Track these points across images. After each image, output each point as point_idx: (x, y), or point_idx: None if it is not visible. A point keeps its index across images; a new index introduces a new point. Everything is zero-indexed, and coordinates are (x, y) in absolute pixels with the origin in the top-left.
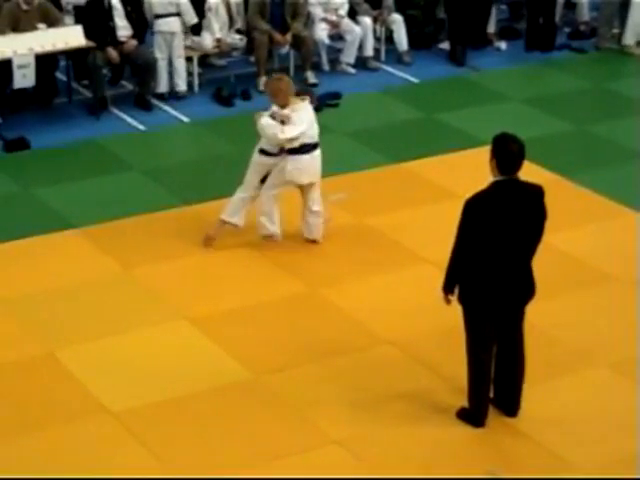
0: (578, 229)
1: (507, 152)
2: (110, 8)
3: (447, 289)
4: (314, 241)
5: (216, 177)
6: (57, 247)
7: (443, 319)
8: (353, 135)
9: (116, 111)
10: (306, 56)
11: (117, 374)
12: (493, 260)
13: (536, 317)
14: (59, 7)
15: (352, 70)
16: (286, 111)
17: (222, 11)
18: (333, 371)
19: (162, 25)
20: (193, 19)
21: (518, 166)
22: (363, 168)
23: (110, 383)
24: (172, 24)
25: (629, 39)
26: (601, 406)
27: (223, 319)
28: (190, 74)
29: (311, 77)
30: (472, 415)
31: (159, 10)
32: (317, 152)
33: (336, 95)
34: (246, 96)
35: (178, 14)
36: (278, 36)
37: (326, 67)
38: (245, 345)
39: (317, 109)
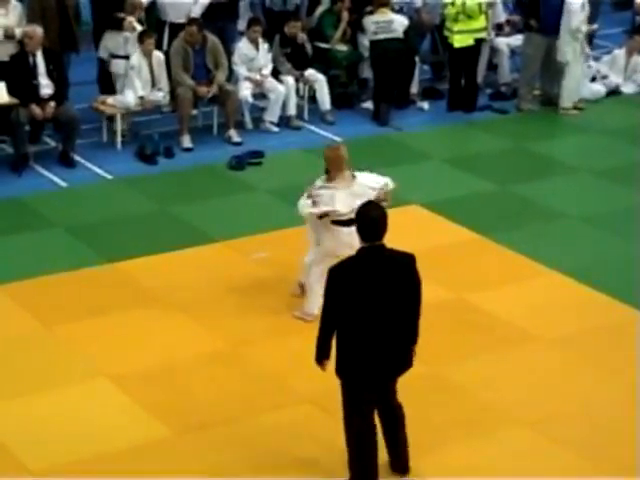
0: (499, 288)
1: (366, 219)
2: (34, 66)
3: (318, 359)
4: None
5: (138, 235)
6: None
7: None
8: (276, 193)
9: (38, 168)
10: (230, 113)
11: (36, 432)
12: (362, 329)
13: (457, 375)
14: None
15: (275, 129)
16: (321, 191)
17: (144, 69)
18: (254, 430)
19: None
20: None
21: (379, 233)
22: (285, 226)
23: (29, 441)
24: None
25: (566, 102)
26: (521, 466)
27: (143, 377)
28: (113, 132)
29: (234, 136)
30: None
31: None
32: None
33: (259, 153)
34: (169, 154)
35: None
36: (202, 89)
37: (249, 125)
38: (165, 403)
39: (240, 168)
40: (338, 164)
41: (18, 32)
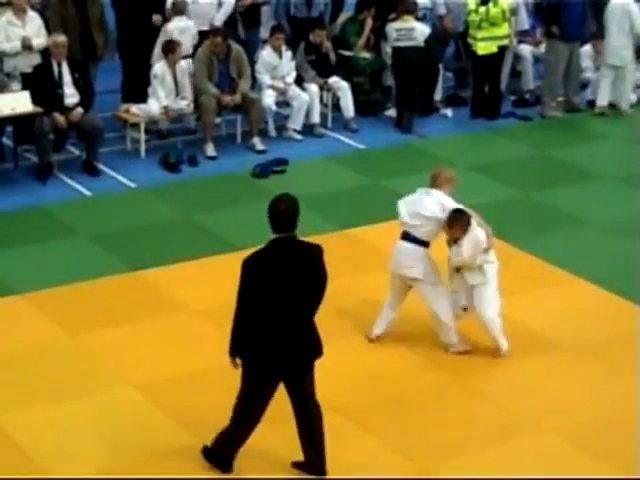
0: (523, 296)
1: (275, 211)
2: (60, 75)
3: (233, 353)
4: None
5: (162, 243)
6: (1, 313)
7: (388, 385)
8: (300, 201)
9: (62, 176)
10: (254, 121)
11: (60, 440)
12: (271, 318)
13: (483, 383)
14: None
15: (299, 137)
16: None
17: (168, 78)
18: (276, 438)
19: None
20: None
21: (288, 225)
22: (309, 234)
23: (53, 450)
24: None
25: (625, 105)
26: (547, 473)
27: (167, 384)
28: (137, 141)
29: (258, 143)
30: (216, 457)
31: None
32: (405, 243)
33: (283, 161)
34: (193, 162)
35: None
36: (226, 97)
37: (273, 133)
38: (189, 410)
39: (264, 176)
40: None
41: (36, 43)
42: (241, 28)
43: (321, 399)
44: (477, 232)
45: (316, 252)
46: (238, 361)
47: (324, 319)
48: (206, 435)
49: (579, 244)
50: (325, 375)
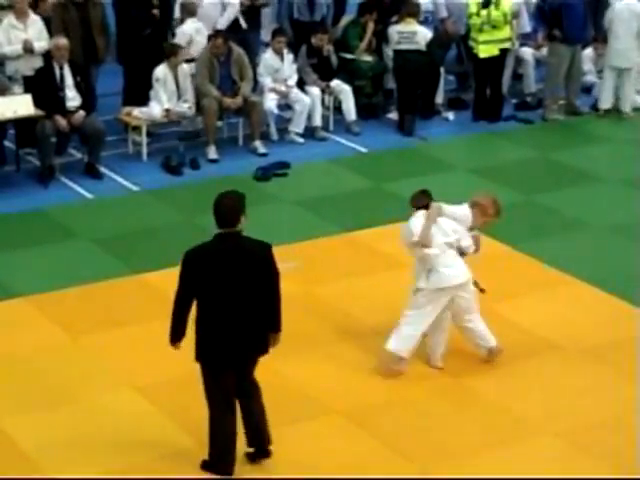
0: (525, 298)
1: (218, 206)
2: (62, 78)
3: (172, 341)
4: None
5: (164, 246)
6: (1, 316)
7: (391, 388)
8: (302, 204)
9: (64, 180)
10: (255, 124)
11: (62, 443)
12: (214, 313)
13: (486, 386)
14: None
15: (301, 140)
16: None
17: (170, 81)
18: (280, 440)
19: None
20: None
21: (230, 220)
22: (311, 237)
23: (55, 452)
24: None
25: (628, 107)
26: (548, 475)
27: (168, 387)
28: (139, 144)
29: (260, 147)
30: (214, 465)
31: None
32: None
33: (285, 165)
34: (195, 165)
35: None
36: (228, 100)
37: (275, 137)
38: (190, 413)
39: (266, 179)
40: None
41: (37, 46)
42: (243, 22)
43: (322, 401)
44: (413, 220)
45: (264, 250)
46: (178, 344)
47: (325, 321)
48: (206, 437)
49: (580, 246)
50: (326, 377)
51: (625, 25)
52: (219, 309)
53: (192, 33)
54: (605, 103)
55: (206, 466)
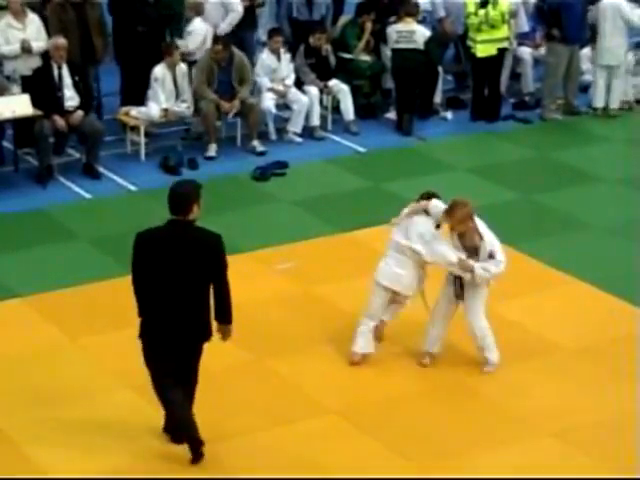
0: (523, 298)
1: (172, 193)
2: (60, 78)
3: (138, 315)
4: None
5: None
6: (2, 316)
7: (388, 387)
8: (300, 204)
9: (62, 179)
10: (253, 125)
11: (61, 444)
12: (157, 297)
13: (485, 385)
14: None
15: (299, 139)
16: None
17: (168, 81)
18: (278, 440)
19: None
20: None
21: (180, 208)
22: (310, 237)
23: (54, 453)
24: None
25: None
26: (548, 475)
27: None
28: (137, 144)
29: (258, 146)
30: (190, 437)
31: None
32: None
33: (283, 164)
34: (193, 165)
35: None
36: (225, 104)
37: (273, 136)
38: None
39: (264, 179)
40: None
41: (35, 46)
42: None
43: (320, 401)
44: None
45: (214, 241)
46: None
47: (324, 321)
48: (205, 437)
49: (579, 246)
50: (324, 377)
51: (611, 23)
52: (162, 293)
53: (205, 32)
54: (598, 102)
55: (177, 440)
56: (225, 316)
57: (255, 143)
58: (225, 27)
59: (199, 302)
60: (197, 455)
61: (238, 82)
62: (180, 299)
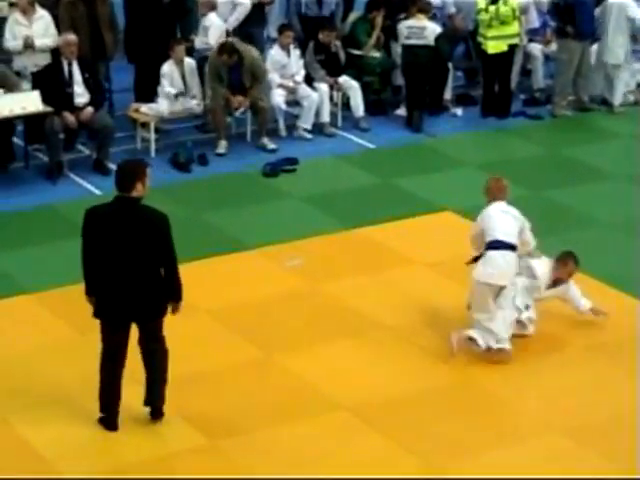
0: None
1: (117, 171)
2: (70, 74)
3: (85, 293)
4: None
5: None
6: (11, 312)
7: (399, 385)
8: (310, 200)
9: (72, 176)
10: (262, 123)
11: (73, 441)
12: (105, 272)
13: (491, 383)
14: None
15: (309, 136)
16: None
17: (177, 77)
18: (288, 437)
19: None
20: None
21: (124, 185)
22: (319, 233)
23: (64, 448)
24: None
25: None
26: (558, 474)
27: (176, 384)
28: (147, 140)
29: (268, 143)
30: (103, 419)
31: None
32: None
33: (293, 161)
34: (203, 161)
35: None
36: (235, 99)
37: (283, 133)
38: (200, 410)
39: (274, 175)
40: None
41: (40, 43)
42: None
43: (330, 398)
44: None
45: (158, 218)
46: (91, 298)
47: (333, 317)
48: (215, 434)
49: (589, 242)
50: (334, 374)
51: (614, 22)
52: (107, 269)
53: (222, 26)
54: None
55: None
56: (176, 294)
57: (265, 141)
58: (233, 22)
59: (144, 279)
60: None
61: (250, 81)
62: (124, 276)
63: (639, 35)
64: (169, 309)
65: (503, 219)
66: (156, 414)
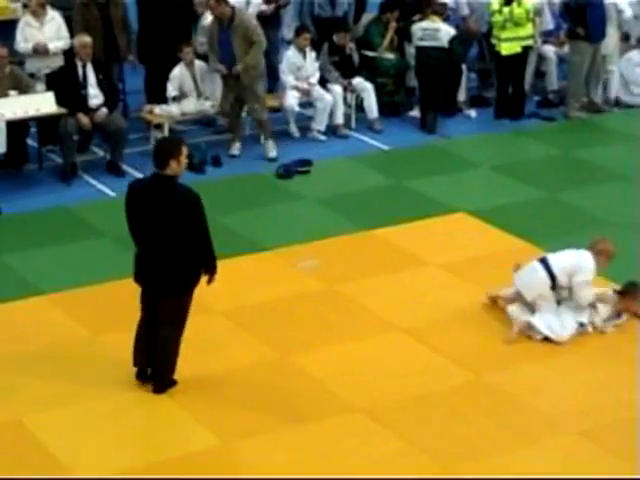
0: None
1: (154, 149)
2: (84, 76)
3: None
4: None
5: None
6: (25, 313)
7: (413, 386)
8: (323, 202)
9: (86, 177)
10: (261, 133)
11: (83, 441)
12: (139, 240)
13: (506, 383)
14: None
15: (322, 137)
16: None
17: (188, 79)
18: (302, 438)
19: None
20: None
21: (159, 163)
22: (333, 235)
23: (76, 450)
24: None
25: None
26: (573, 474)
27: (190, 386)
28: None
29: (270, 150)
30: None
31: None
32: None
33: (307, 162)
34: (217, 162)
35: None
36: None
37: (296, 134)
38: (213, 411)
39: (288, 176)
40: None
41: (53, 46)
42: None
43: (345, 399)
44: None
45: (189, 196)
46: None
47: (347, 318)
48: (228, 435)
49: None
50: (349, 375)
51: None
52: (141, 239)
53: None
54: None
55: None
56: (210, 265)
57: (268, 145)
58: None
59: (167, 254)
60: (156, 383)
61: (243, 48)
62: (150, 248)
63: (625, 29)
64: (204, 280)
65: (569, 252)
66: (156, 390)
